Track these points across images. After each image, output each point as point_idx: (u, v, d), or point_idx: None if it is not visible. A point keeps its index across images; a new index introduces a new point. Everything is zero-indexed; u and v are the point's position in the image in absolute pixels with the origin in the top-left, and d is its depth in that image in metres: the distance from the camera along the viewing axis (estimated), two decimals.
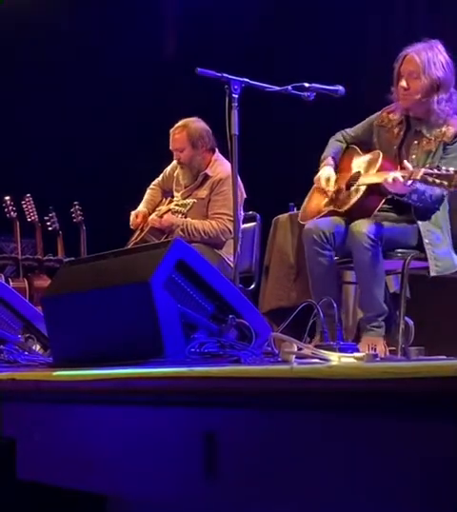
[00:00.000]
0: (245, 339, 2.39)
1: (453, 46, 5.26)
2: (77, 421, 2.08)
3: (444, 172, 3.22)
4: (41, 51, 6.75)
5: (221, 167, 4.53)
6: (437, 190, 3.38)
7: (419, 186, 3.32)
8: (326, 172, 3.71)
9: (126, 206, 4.79)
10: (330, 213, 3.62)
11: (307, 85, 3.60)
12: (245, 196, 4.47)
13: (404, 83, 3.51)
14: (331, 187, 3.67)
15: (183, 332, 2.31)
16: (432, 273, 3.46)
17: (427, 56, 3.47)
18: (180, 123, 4.61)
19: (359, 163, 3.68)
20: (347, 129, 3.84)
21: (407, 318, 3.64)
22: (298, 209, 4.48)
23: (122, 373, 1.95)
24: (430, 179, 3.24)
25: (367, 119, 3.79)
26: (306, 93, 3.61)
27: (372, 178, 3.53)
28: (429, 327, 4.19)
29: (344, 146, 3.81)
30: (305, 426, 1.52)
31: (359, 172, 3.64)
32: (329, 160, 3.76)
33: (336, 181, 3.69)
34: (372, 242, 3.39)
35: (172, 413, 1.80)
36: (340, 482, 1.45)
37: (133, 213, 4.73)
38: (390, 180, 3.35)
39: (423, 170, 3.29)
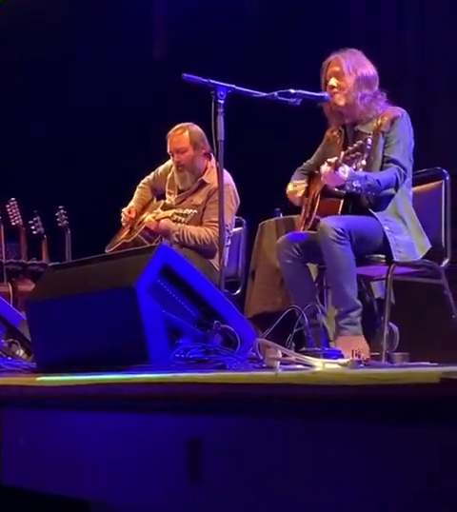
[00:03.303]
0: (230, 344, 2.39)
1: (452, 45, 5.32)
2: (61, 426, 2.07)
3: (356, 145, 3.41)
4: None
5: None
6: (384, 173, 3.54)
7: (356, 172, 3.44)
8: (290, 185, 3.89)
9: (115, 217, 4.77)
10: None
11: (292, 91, 3.62)
12: (239, 203, 4.50)
13: (332, 81, 3.68)
14: (303, 183, 3.85)
15: (168, 338, 2.31)
16: (395, 258, 3.53)
17: (351, 58, 3.70)
18: (178, 126, 4.60)
19: (316, 181, 3.80)
20: (309, 160, 3.99)
21: (391, 324, 3.65)
22: (284, 214, 4.50)
23: (106, 379, 1.94)
24: (348, 157, 3.41)
25: (319, 146, 3.94)
26: (292, 99, 3.62)
27: (321, 185, 3.64)
28: (414, 333, 4.21)
29: (306, 173, 3.94)
30: (289, 432, 1.52)
31: (316, 188, 3.75)
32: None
33: (305, 205, 3.82)
34: (339, 234, 3.43)
35: (157, 419, 1.79)
36: (323, 489, 1.45)
37: (125, 210, 4.70)
38: (323, 176, 3.53)
39: (343, 153, 3.47)
